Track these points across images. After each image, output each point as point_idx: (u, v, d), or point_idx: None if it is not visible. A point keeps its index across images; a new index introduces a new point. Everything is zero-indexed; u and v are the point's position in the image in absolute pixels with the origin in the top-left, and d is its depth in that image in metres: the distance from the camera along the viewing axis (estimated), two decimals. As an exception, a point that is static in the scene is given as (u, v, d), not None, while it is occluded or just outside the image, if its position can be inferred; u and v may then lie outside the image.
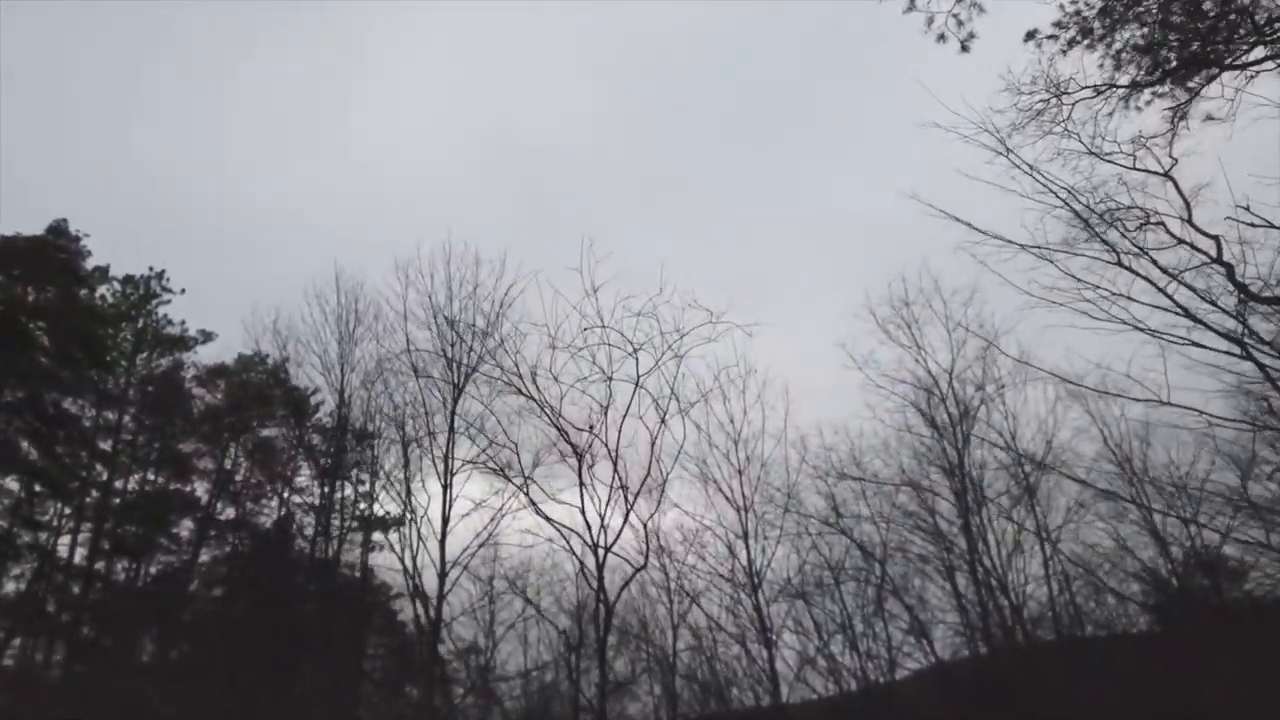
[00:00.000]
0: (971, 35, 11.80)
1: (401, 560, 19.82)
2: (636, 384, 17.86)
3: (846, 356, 22.26)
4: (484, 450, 19.20)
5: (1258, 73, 11.18)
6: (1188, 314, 10.90)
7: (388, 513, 24.22)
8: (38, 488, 29.18)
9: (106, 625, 29.37)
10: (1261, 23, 11.28)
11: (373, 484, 24.34)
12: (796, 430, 21.53)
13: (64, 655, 29.00)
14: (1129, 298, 11.36)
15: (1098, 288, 11.65)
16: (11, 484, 28.82)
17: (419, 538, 19.85)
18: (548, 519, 17.89)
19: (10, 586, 28.42)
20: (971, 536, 18.99)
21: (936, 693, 17.80)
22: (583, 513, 17.51)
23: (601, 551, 17.19)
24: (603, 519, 17.39)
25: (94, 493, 31.01)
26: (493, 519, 19.44)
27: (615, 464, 17.65)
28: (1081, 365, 16.87)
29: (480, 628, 21.27)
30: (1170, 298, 11.11)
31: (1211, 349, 10.68)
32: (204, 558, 31.30)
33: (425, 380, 20.68)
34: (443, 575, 19.34)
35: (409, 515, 20.47)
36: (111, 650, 28.87)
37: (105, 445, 31.52)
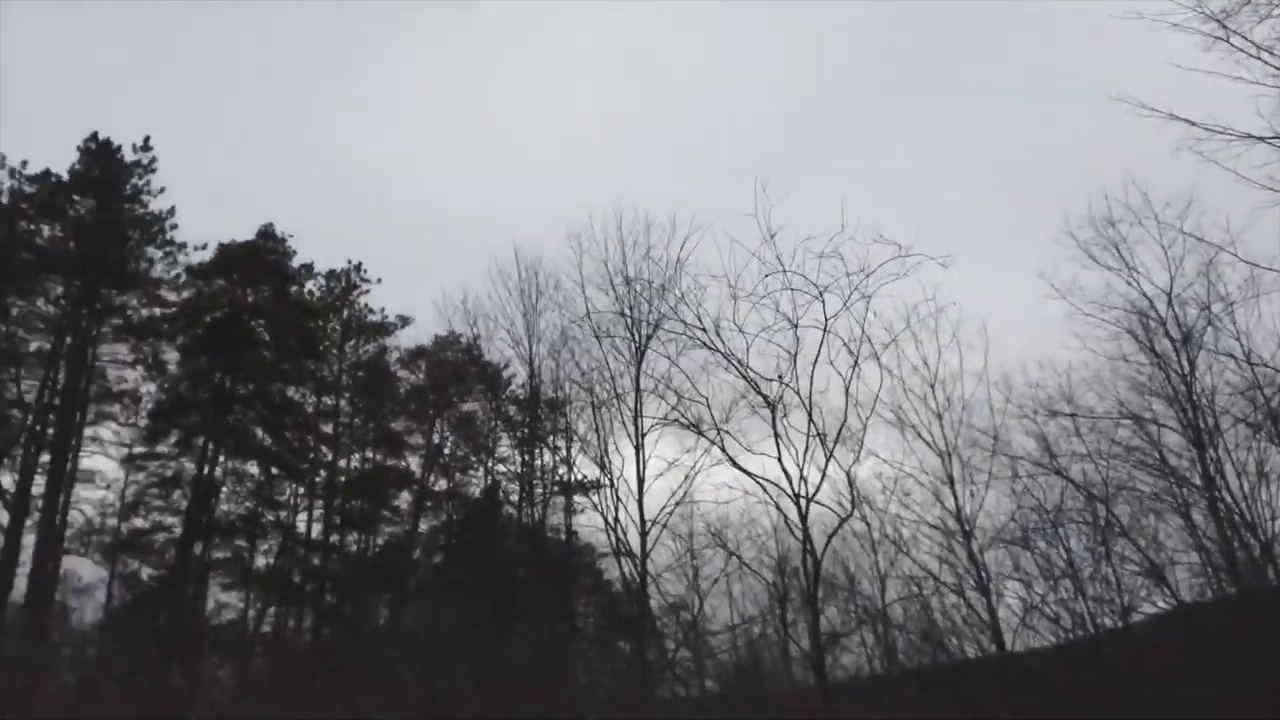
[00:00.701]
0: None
1: (604, 520, 20.59)
2: (825, 328, 17.24)
3: (1047, 285, 20.52)
4: (674, 408, 19.31)
5: None
6: None
7: (585, 476, 24.96)
8: (274, 470, 32.10)
9: (345, 593, 32.13)
10: None
11: (569, 449, 25.18)
12: (998, 368, 20.06)
13: (312, 622, 32.03)
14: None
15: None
16: (252, 469, 32.00)
17: (617, 498, 20.54)
18: (746, 472, 17.75)
19: (261, 561, 31.54)
20: (1207, 470, 17.34)
21: (1178, 636, 16.48)
22: (780, 463, 17.20)
23: (804, 502, 16.95)
24: (801, 470, 17.04)
25: (321, 472, 33.98)
26: (687, 476, 19.74)
27: (810, 413, 17.21)
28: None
29: (686, 583, 21.55)
30: None
31: None
32: (422, 527, 33.74)
33: (608, 342, 21.06)
34: (644, 533, 19.92)
35: (606, 477, 21.20)
36: (351, 616, 31.67)
37: (327, 429, 34.46)
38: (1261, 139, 10.75)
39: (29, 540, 28.94)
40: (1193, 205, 18.50)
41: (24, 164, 31.57)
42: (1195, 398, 18.09)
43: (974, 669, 17.63)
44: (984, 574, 17.56)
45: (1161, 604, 17.19)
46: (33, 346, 31.29)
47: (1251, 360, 17.82)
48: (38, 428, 30.46)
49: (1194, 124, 10.99)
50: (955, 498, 18.34)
